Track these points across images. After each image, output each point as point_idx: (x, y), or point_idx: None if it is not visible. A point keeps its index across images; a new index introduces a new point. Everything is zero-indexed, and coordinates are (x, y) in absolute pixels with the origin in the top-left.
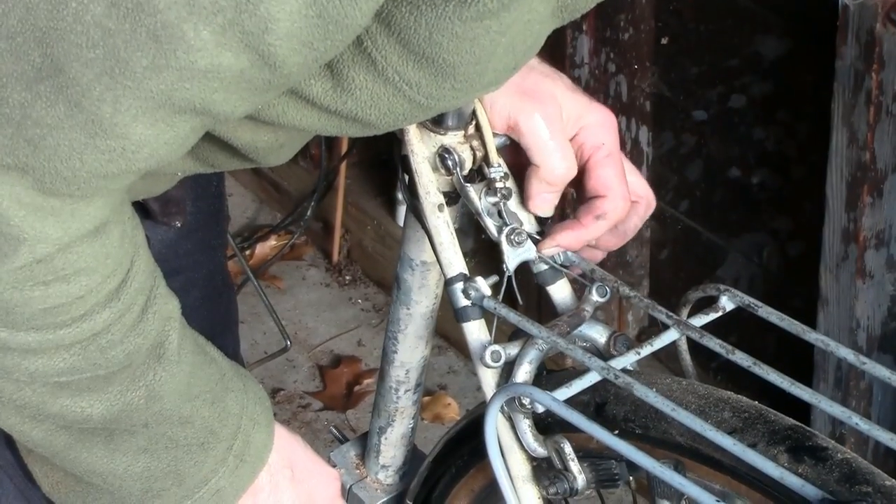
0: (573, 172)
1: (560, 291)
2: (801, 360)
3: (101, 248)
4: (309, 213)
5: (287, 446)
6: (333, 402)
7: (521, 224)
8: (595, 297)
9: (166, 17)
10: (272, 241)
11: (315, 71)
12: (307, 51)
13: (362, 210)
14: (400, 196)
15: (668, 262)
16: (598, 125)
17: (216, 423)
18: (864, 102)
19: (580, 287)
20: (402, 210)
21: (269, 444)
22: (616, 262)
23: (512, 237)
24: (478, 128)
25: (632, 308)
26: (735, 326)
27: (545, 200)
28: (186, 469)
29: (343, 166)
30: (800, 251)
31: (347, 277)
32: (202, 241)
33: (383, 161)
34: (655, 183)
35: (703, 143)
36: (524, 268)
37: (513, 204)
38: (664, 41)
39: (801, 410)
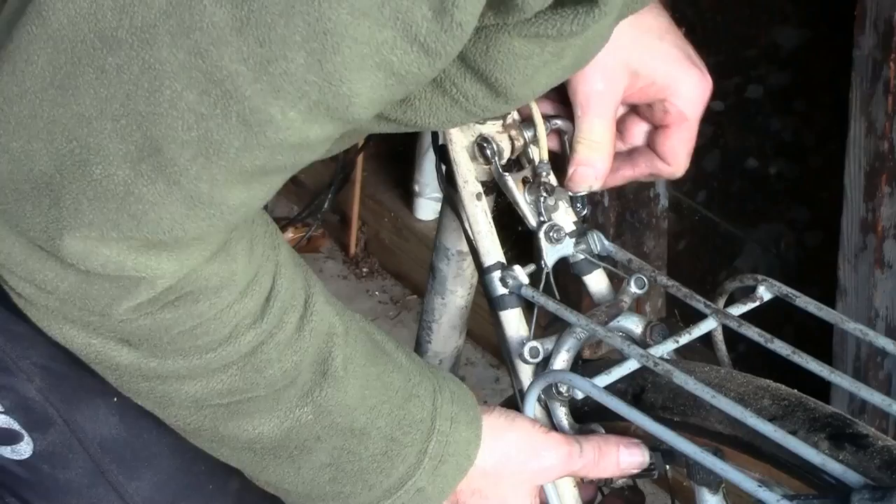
0: (611, 139)
1: (596, 282)
2: (819, 353)
3: (221, 267)
4: (326, 205)
5: (498, 437)
6: None
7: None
8: (633, 288)
9: (254, 103)
10: (289, 234)
11: None
12: (384, 104)
13: (379, 202)
14: (416, 188)
15: (685, 253)
16: (688, 99)
17: (396, 431)
18: (882, 92)
19: (617, 278)
20: (419, 202)
21: (474, 441)
22: (634, 253)
23: (551, 234)
24: (522, 117)
25: (649, 300)
26: (755, 320)
27: (584, 174)
28: (373, 477)
29: (360, 158)
30: (817, 241)
31: (364, 270)
32: None
33: (400, 153)
34: None
35: (721, 134)
36: (559, 261)
37: (552, 201)
38: (682, 31)
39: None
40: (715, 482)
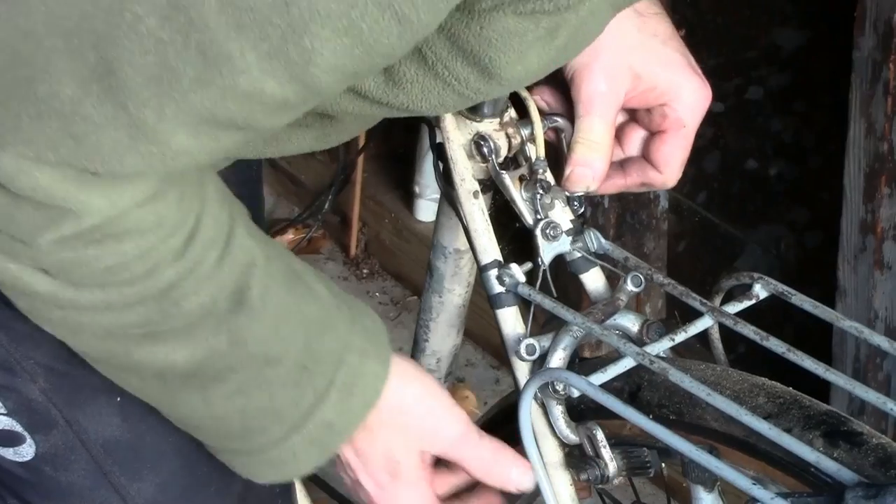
0: (610, 140)
1: (593, 280)
2: (818, 353)
3: (151, 212)
4: (326, 206)
5: (404, 383)
6: None
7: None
8: (630, 286)
9: (215, 36)
10: (290, 235)
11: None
12: (349, 78)
13: (380, 203)
14: (417, 189)
15: (685, 254)
16: (687, 106)
17: (308, 361)
18: (881, 93)
19: (614, 276)
20: (419, 203)
21: (382, 376)
22: (634, 254)
23: (547, 231)
24: (519, 115)
25: (650, 301)
26: (754, 319)
27: (582, 174)
28: (283, 407)
29: (360, 159)
30: (817, 242)
31: (365, 271)
32: None
33: (400, 154)
34: None
35: (721, 135)
36: (558, 260)
37: (549, 199)
38: (681, 33)
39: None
40: (710, 480)
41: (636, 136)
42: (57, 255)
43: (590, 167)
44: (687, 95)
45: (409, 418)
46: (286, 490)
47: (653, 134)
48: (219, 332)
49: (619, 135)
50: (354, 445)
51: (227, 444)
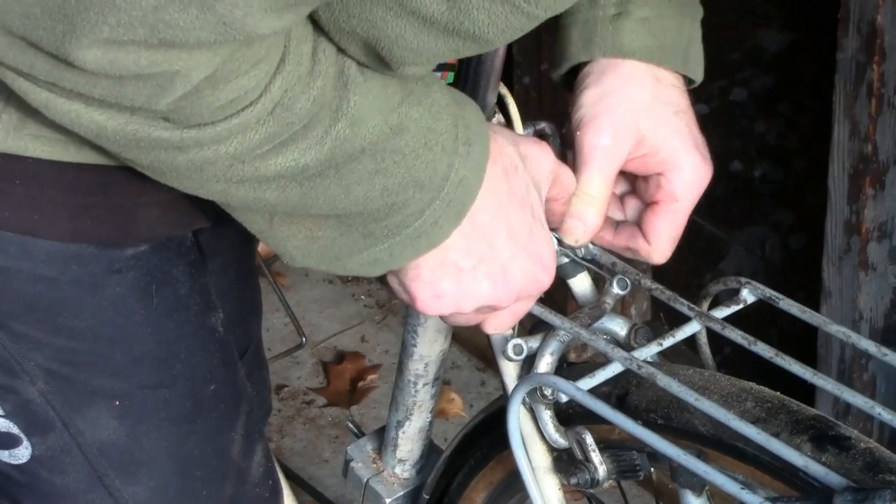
0: (606, 196)
1: (580, 285)
2: (804, 355)
3: (258, 47)
4: None
5: (493, 130)
6: (337, 398)
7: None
8: (616, 289)
9: None
10: None
11: None
12: None
13: None
14: None
15: (670, 256)
16: (684, 181)
17: (430, 119)
18: (865, 94)
19: (601, 279)
20: None
21: (482, 120)
22: (618, 256)
23: None
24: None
25: (635, 302)
26: (741, 320)
27: (573, 226)
28: (421, 173)
29: None
30: (802, 244)
31: None
32: (239, 227)
33: None
34: None
35: (705, 137)
36: None
37: None
38: None
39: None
40: (699, 484)
41: (636, 205)
42: (178, 112)
43: (582, 221)
44: (685, 170)
45: (516, 160)
46: (275, 494)
47: (648, 204)
48: (336, 120)
49: (621, 200)
50: (486, 200)
51: (372, 227)
